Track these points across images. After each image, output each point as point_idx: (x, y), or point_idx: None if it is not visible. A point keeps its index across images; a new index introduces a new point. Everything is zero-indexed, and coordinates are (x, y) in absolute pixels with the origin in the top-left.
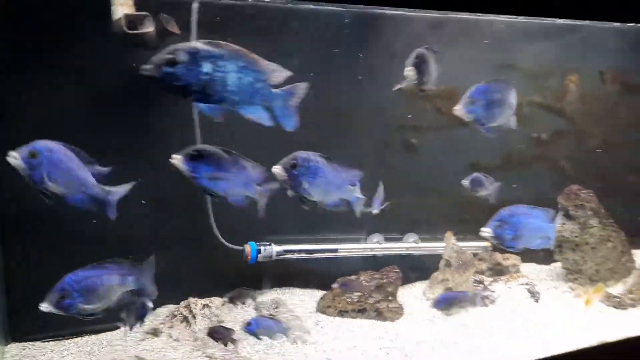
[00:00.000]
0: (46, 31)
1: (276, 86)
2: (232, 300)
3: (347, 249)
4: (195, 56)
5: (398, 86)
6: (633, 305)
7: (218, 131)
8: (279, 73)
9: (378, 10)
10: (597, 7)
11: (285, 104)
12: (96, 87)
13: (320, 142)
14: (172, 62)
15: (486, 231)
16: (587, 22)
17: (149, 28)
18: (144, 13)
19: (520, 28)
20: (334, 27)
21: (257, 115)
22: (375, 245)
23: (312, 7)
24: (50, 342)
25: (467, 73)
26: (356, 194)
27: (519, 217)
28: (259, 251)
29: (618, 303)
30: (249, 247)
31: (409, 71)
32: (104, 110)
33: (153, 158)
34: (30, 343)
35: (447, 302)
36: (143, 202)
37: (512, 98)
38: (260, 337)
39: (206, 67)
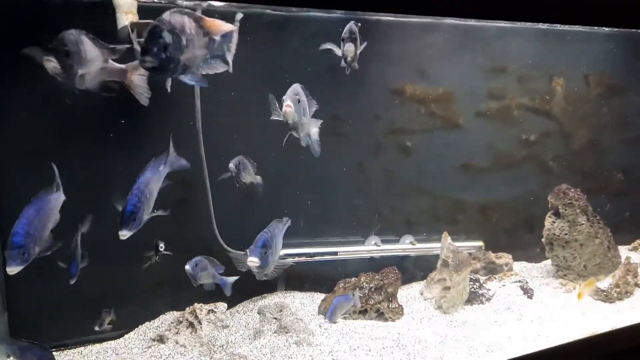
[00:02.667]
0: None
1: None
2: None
3: (347, 251)
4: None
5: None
6: (620, 299)
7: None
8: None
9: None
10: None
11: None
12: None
13: None
14: (165, 46)
15: (254, 261)
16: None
17: None
18: (149, 21)
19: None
20: None
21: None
22: (374, 248)
23: None
24: (54, 352)
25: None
26: None
27: (277, 238)
28: None
29: (606, 297)
30: None
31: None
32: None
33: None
34: None
35: (334, 311)
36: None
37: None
38: None
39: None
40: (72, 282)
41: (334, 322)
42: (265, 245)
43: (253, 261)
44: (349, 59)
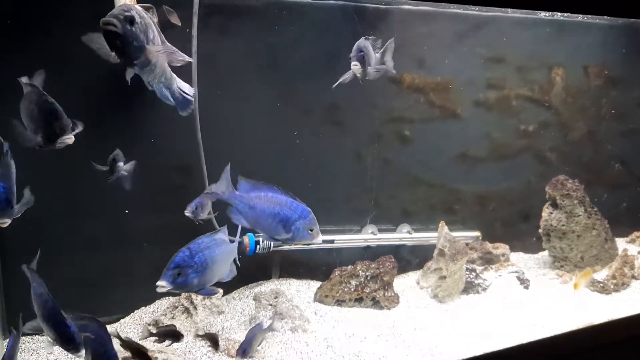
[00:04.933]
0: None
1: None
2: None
3: (343, 239)
4: (143, 21)
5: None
6: (616, 290)
7: None
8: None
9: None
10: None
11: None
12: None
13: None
14: (132, 21)
15: (163, 285)
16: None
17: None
18: (146, 5)
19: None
20: None
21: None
22: (370, 236)
23: None
24: None
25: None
26: None
27: (203, 253)
28: (257, 242)
29: (602, 288)
30: (247, 239)
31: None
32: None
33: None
34: (30, 337)
35: (249, 346)
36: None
37: None
38: None
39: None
40: None
41: (250, 358)
42: (179, 266)
43: (161, 285)
44: (358, 75)
